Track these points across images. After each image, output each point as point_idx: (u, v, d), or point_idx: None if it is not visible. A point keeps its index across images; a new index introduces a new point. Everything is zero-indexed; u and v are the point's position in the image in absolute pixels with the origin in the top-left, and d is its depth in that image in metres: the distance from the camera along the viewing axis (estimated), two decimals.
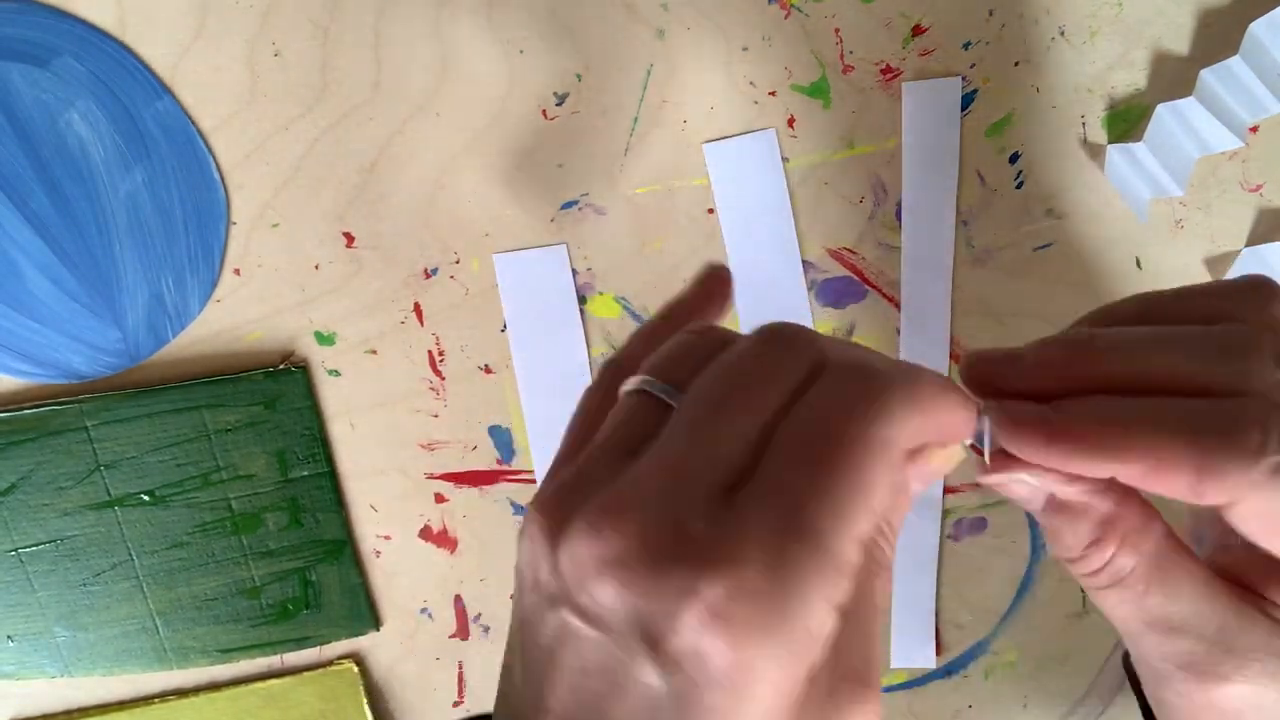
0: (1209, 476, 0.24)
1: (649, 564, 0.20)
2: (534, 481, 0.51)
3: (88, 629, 0.51)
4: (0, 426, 0.49)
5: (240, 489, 0.50)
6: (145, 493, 0.50)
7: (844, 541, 0.21)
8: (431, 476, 0.51)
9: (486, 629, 0.53)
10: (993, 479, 0.27)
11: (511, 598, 0.25)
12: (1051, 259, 0.49)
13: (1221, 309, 0.27)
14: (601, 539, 0.21)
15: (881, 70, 0.47)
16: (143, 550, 0.50)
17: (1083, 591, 0.52)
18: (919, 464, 0.24)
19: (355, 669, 0.52)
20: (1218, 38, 0.46)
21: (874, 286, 0.49)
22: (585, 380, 0.50)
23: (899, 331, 0.49)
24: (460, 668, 0.53)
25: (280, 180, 0.48)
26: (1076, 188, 0.48)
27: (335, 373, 0.50)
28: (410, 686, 0.53)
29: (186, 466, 0.50)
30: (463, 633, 0.53)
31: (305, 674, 0.52)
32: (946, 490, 0.51)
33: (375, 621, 0.52)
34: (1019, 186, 0.48)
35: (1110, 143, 0.47)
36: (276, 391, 0.49)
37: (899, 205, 0.48)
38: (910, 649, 0.52)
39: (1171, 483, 0.24)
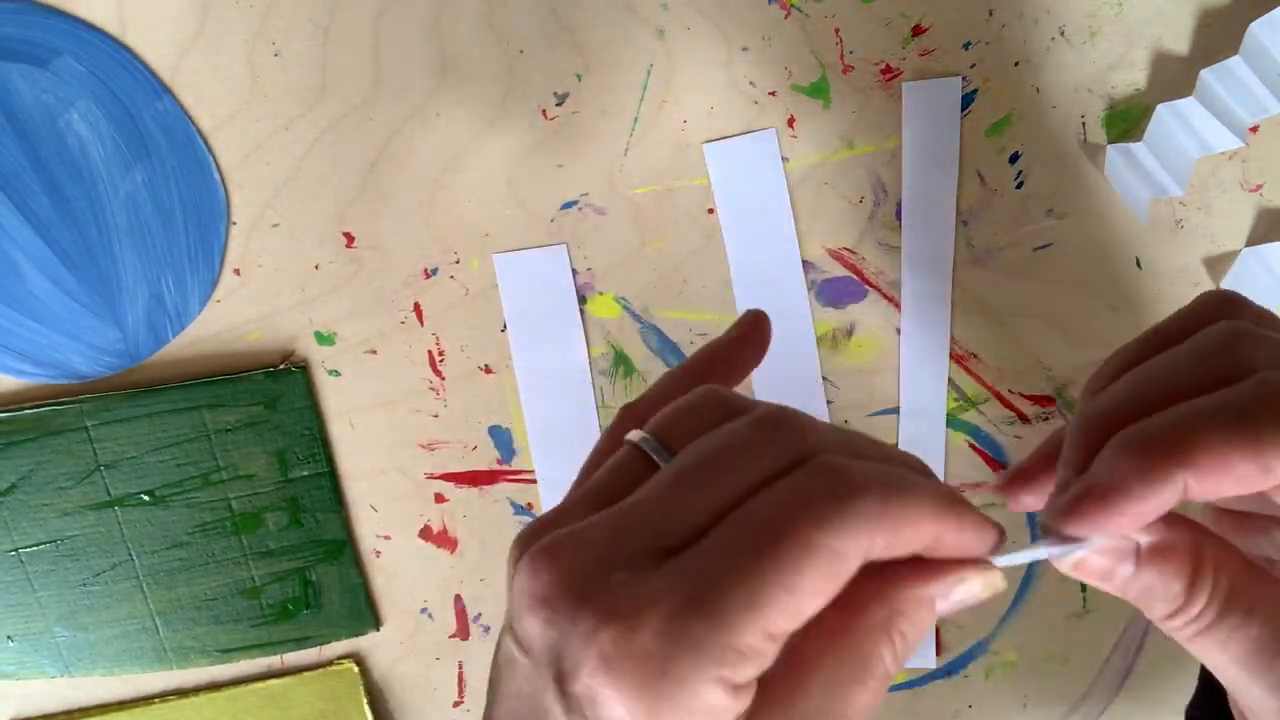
0: (1271, 451, 0.23)
1: (568, 604, 0.22)
2: (534, 481, 0.51)
3: (88, 629, 0.51)
4: (0, 426, 0.49)
5: (240, 489, 0.50)
6: (145, 493, 0.50)
7: (749, 631, 0.21)
8: (431, 476, 0.51)
9: (486, 629, 0.53)
10: (1082, 568, 0.26)
11: None
12: (1051, 259, 0.49)
13: (1186, 331, 0.26)
14: (536, 575, 0.22)
15: (881, 70, 0.47)
16: (143, 550, 0.50)
17: (1083, 591, 0.52)
18: (937, 580, 0.24)
19: (355, 669, 0.52)
20: (1218, 38, 0.46)
21: (874, 286, 0.49)
22: (585, 380, 0.50)
23: (899, 331, 0.49)
24: (460, 668, 0.53)
25: (280, 180, 0.48)
26: (1076, 188, 0.48)
27: (335, 373, 0.50)
28: (410, 686, 0.53)
29: (186, 466, 0.50)
30: (463, 633, 0.53)
31: (305, 674, 0.52)
32: None
33: (375, 621, 0.52)
34: (1019, 186, 0.48)
35: (1110, 143, 0.47)
36: (276, 391, 0.49)
37: (899, 205, 0.48)
38: None
39: (1238, 472, 0.23)
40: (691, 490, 0.23)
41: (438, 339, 0.50)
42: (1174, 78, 0.47)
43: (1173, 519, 0.25)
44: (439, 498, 0.51)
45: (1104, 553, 0.25)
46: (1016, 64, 0.47)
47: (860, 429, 0.50)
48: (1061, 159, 0.48)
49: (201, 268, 0.49)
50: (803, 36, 0.47)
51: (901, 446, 0.50)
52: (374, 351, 0.50)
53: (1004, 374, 0.50)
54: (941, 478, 0.51)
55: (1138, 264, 0.49)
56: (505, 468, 0.51)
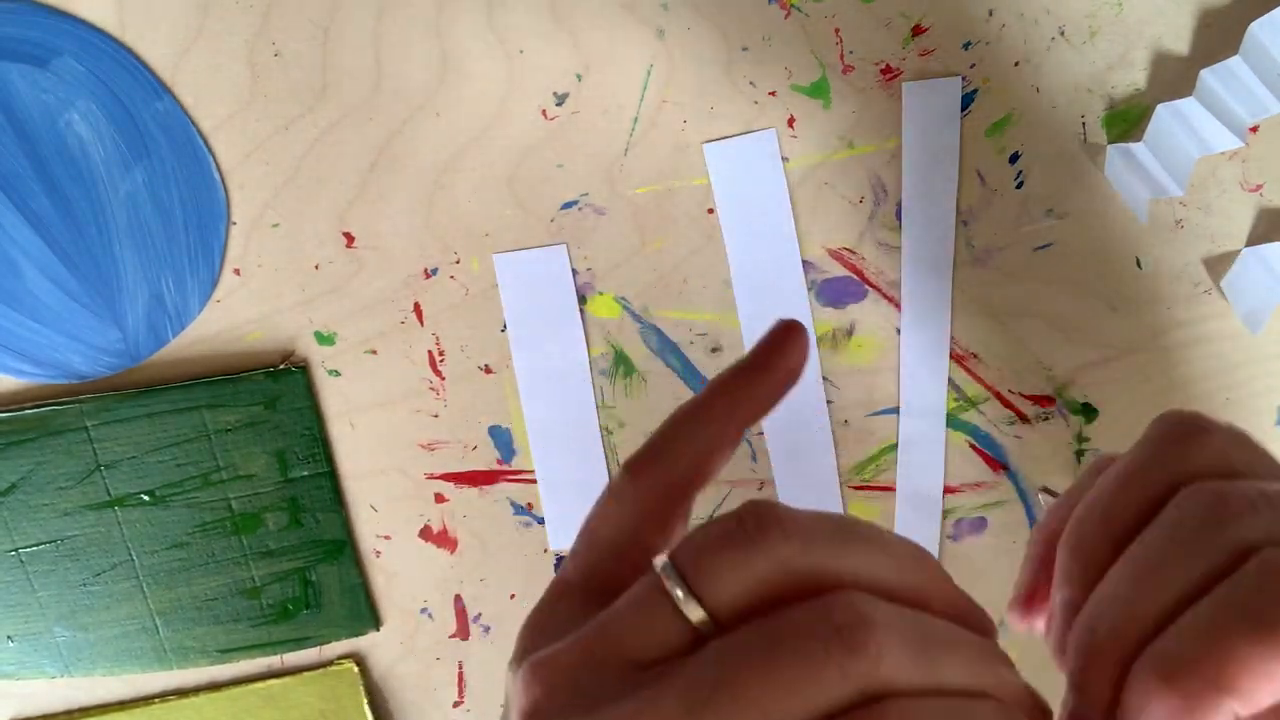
0: None
1: None
2: (534, 481, 0.51)
3: (88, 629, 0.51)
4: (0, 426, 0.49)
5: (240, 489, 0.50)
6: (145, 493, 0.50)
7: None
8: (431, 476, 0.51)
9: (486, 629, 0.53)
10: None
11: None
12: (1051, 259, 0.49)
13: (1158, 479, 0.25)
14: (526, 690, 0.22)
15: (881, 70, 0.47)
16: (143, 550, 0.50)
17: None
18: None
19: (355, 669, 0.52)
20: (1218, 38, 0.46)
21: (874, 286, 0.49)
22: (585, 380, 0.50)
23: (899, 331, 0.49)
24: (460, 668, 0.53)
25: (280, 180, 0.48)
26: (1076, 188, 0.48)
27: (335, 373, 0.50)
28: (410, 686, 0.53)
29: (186, 466, 0.50)
30: (463, 633, 0.53)
31: (305, 674, 0.52)
32: (947, 490, 0.51)
33: (375, 621, 0.52)
34: (1019, 186, 0.48)
35: (1110, 143, 0.47)
36: (276, 391, 0.49)
37: (899, 205, 0.48)
38: None
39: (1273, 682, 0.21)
40: (720, 688, 0.20)
41: (438, 339, 0.50)
42: (1174, 78, 0.47)
43: None
44: (439, 498, 0.51)
45: None
46: (1016, 64, 0.47)
47: (860, 429, 0.50)
48: (1061, 159, 0.48)
49: (201, 268, 0.49)
50: (803, 36, 0.47)
51: (901, 446, 0.50)
52: (374, 351, 0.50)
53: (1004, 374, 0.50)
54: (941, 478, 0.51)
55: (1138, 264, 0.49)
56: (505, 468, 0.51)
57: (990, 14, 0.46)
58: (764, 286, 0.49)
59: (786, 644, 0.20)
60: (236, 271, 0.49)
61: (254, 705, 0.52)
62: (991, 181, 0.48)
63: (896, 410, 0.50)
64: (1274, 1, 0.43)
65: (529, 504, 0.51)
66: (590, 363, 0.50)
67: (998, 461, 0.51)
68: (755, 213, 0.48)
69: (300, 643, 0.52)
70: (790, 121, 0.48)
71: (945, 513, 0.51)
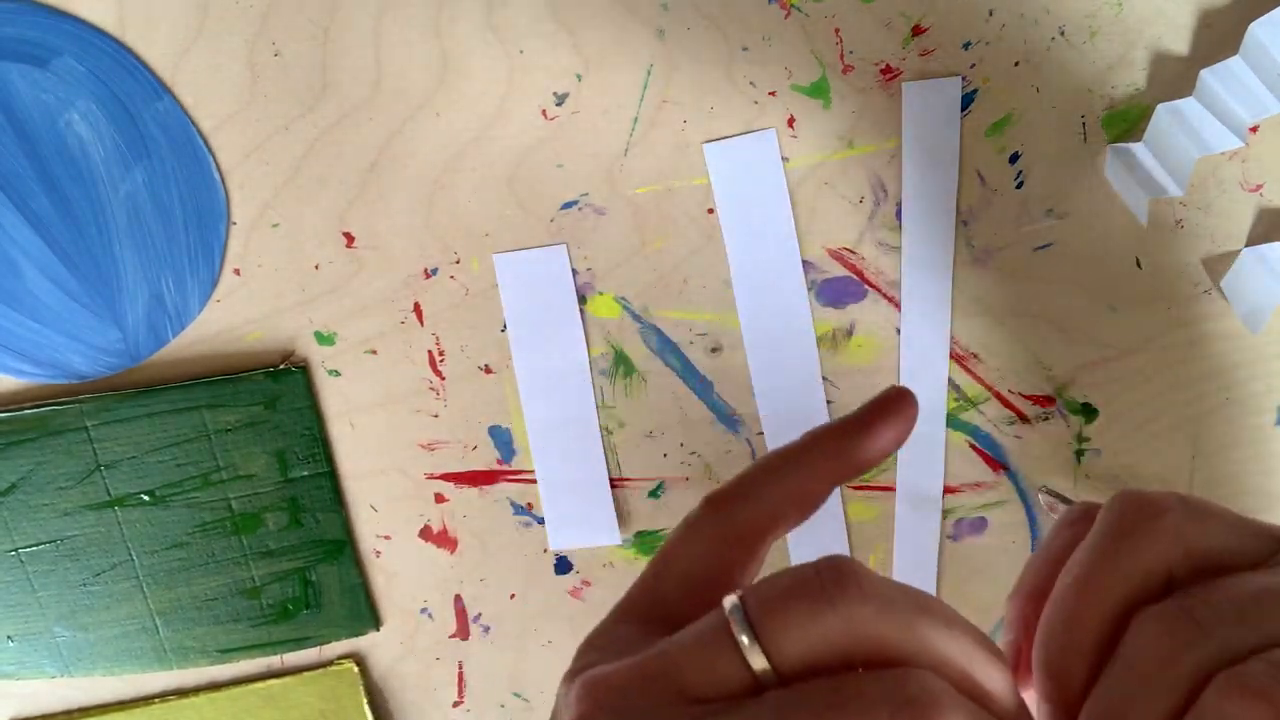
0: None
1: None
2: (534, 481, 0.51)
3: (88, 629, 0.51)
4: (0, 426, 0.49)
5: (240, 489, 0.50)
6: (145, 493, 0.50)
7: None
8: (431, 476, 0.51)
9: (486, 629, 0.53)
10: None
11: None
12: (1051, 259, 0.49)
13: (1114, 588, 0.24)
14: (576, 705, 0.22)
15: (881, 70, 0.47)
16: (143, 550, 0.50)
17: None
18: None
19: (355, 669, 0.52)
20: (1218, 38, 0.46)
21: (874, 286, 0.49)
22: (585, 380, 0.50)
23: (899, 331, 0.49)
24: (460, 668, 0.53)
25: (280, 180, 0.48)
26: (1076, 188, 0.48)
27: (335, 373, 0.50)
28: (410, 686, 0.54)
29: (186, 466, 0.50)
30: (463, 633, 0.53)
31: (305, 674, 0.52)
32: (947, 490, 0.51)
33: (375, 621, 0.52)
34: (1019, 186, 0.48)
35: (1110, 143, 0.47)
36: (276, 391, 0.49)
37: (899, 205, 0.48)
38: None
39: None
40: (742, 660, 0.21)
41: (438, 339, 0.50)
42: (1174, 78, 0.47)
43: None
44: (439, 498, 0.51)
45: None
46: (1016, 64, 0.47)
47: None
48: (1061, 159, 0.48)
49: (201, 268, 0.49)
50: (803, 36, 0.47)
51: (901, 446, 0.50)
52: (374, 351, 0.50)
53: (1004, 374, 0.50)
54: (941, 478, 0.51)
55: (1138, 264, 0.49)
56: (505, 468, 0.51)
57: (990, 14, 0.46)
58: (764, 286, 0.49)
59: (849, 706, 0.20)
60: (236, 271, 0.49)
61: (254, 705, 0.52)
62: (991, 181, 0.48)
63: None
64: (1274, 1, 0.43)
65: (529, 504, 0.51)
66: (590, 363, 0.50)
67: (998, 461, 0.51)
68: (755, 213, 0.48)
69: (300, 643, 0.52)
70: (790, 121, 0.48)
71: (945, 513, 0.51)
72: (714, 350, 0.50)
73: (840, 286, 0.49)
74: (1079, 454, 0.51)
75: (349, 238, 0.49)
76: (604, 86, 0.47)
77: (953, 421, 0.50)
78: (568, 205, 0.49)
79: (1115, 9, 0.46)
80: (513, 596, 0.52)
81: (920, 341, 0.49)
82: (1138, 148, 0.46)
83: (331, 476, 0.51)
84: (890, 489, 0.51)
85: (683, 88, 0.47)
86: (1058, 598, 0.26)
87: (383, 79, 0.47)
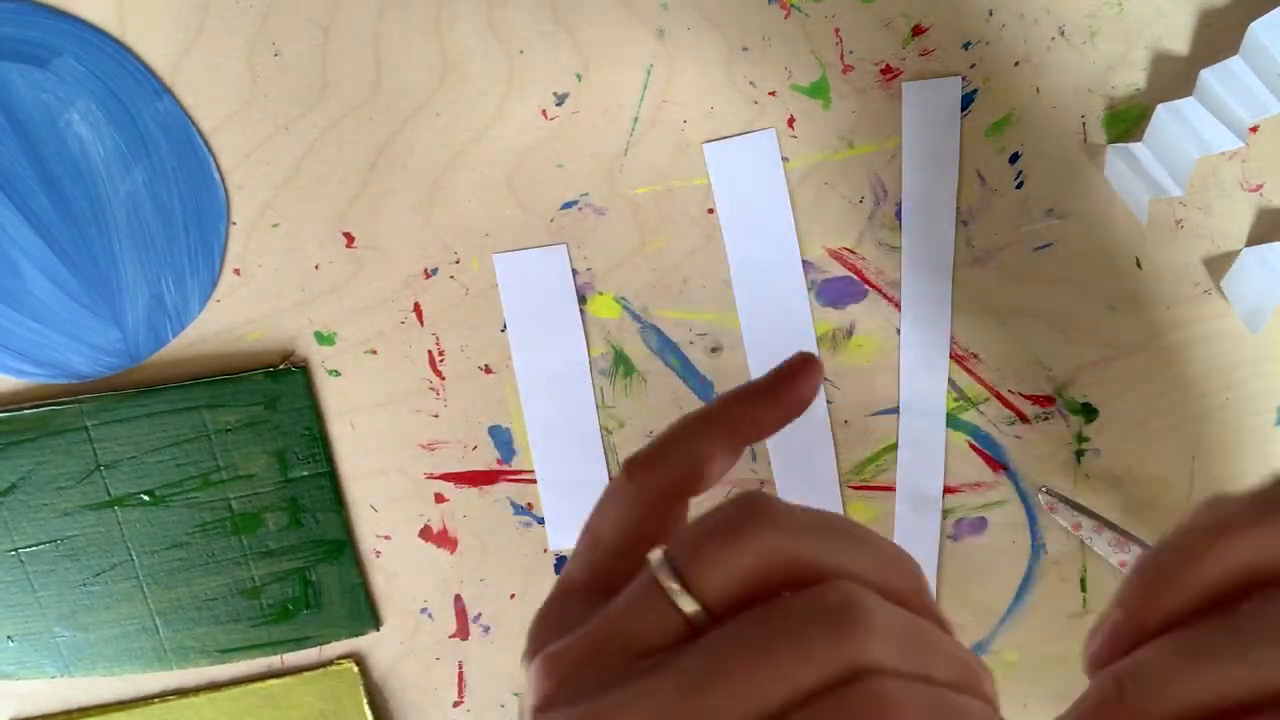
0: None
1: (560, 714, 0.22)
2: (534, 481, 0.51)
3: (88, 629, 0.51)
4: (0, 426, 0.49)
5: (240, 489, 0.50)
6: (145, 493, 0.50)
7: None
8: (431, 476, 0.51)
9: (486, 629, 0.53)
10: None
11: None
12: (1051, 259, 0.49)
13: (1247, 556, 0.23)
14: (538, 684, 0.23)
15: (881, 70, 0.47)
16: (143, 550, 0.50)
17: (1083, 591, 0.52)
18: None
19: (355, 669, 0.52)
20: (1218, 38, 0.46)
21: (874, 286, 0.49)
22: (585, 380, 0.50)
23: (899, 331, 0.49)
24: (460, 668, 0.53)
25: (280, 180, 0.48)
26: (1076, 188, 0.48)
27: (335, 373, 0.50)
28: (410, 686, 0.54)
29: (186, 466, 0.50)
30: (463, 633, 0.53)
31: (305, 674, 0.52)
32: (947, 490, 0.51)
33: (375, 621, 0.52)
34: (1019, 186, 0.48)
35: (1110, 143, 0.47)
36: (276, 391, 0.49)
37: (899, 205, 0.48)
38: None
39: None
40: (717, 692, 0.21)
41: (438, 339, 0.50)
42: (1174, 78, 0.47)
43: None
44: (439, 498, 0.51)
45: None
46: (1016, 64, 0.47)
47: (860, 429, 0.50)
48: (1061, 159, 0.48)
49: (201, 268, 0.49)
50: (803, 36, 0.47)
51: (901, 446, 0.50)
52: (374, 351, 0.50)
53: (1004, 374, 0.50)
54: (941, 478, 0.51)
55: (1138, 264, 0.49)
56: (505, 468, 0.51)
57: (990, 14, 0.46)
58: (764, 286, 0.49)
59: (777, 627, 0.21)
60: (236, 271, 0.49)
61: (254, 705, 0.52)
62: (991, 181, 0.48)
63: (896, 410, 0.50)
64: (1274, 1, 0.43)
65: (529, 504, 0.51)
66: (590, 363, 0.50)
67: (998, 461, 0.51)
68: (755, 213, 0.48)
69: (300, 643, 0.52)
70: (790, 121, 0.48)
71: (945, 513, 0.51)
72: (714, 350, 0.50)
73: (840, 286, 0.49)
74: (1079, 454, 0.51)
75: (349, 238, 0.49)
76: (604, 86, 0.47)
77: (953, 421, 0.50)
78: (568, 205, 0.49)
79: (1115, 9, 0.46)
80: (513, 596, 0.52)
81: (920, 341, 0.49)
82: (1138, 148, 0.46)
83: (331, 476, 0.51)
84: (890, 489, 0.51)
85: (683, 88, 0.47)
86: (1193, 528, 0.24)
87: (383, 79, 0.47)
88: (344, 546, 0.51)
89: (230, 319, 0.49)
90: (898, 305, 0.49)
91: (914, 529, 0.51)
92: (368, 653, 0.53)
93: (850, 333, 0.50)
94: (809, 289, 0.49)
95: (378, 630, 0.52)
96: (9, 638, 0.51)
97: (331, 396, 0.50)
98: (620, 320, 0.50)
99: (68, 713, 0.53)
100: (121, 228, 0.48)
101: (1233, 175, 0.48)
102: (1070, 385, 0.50)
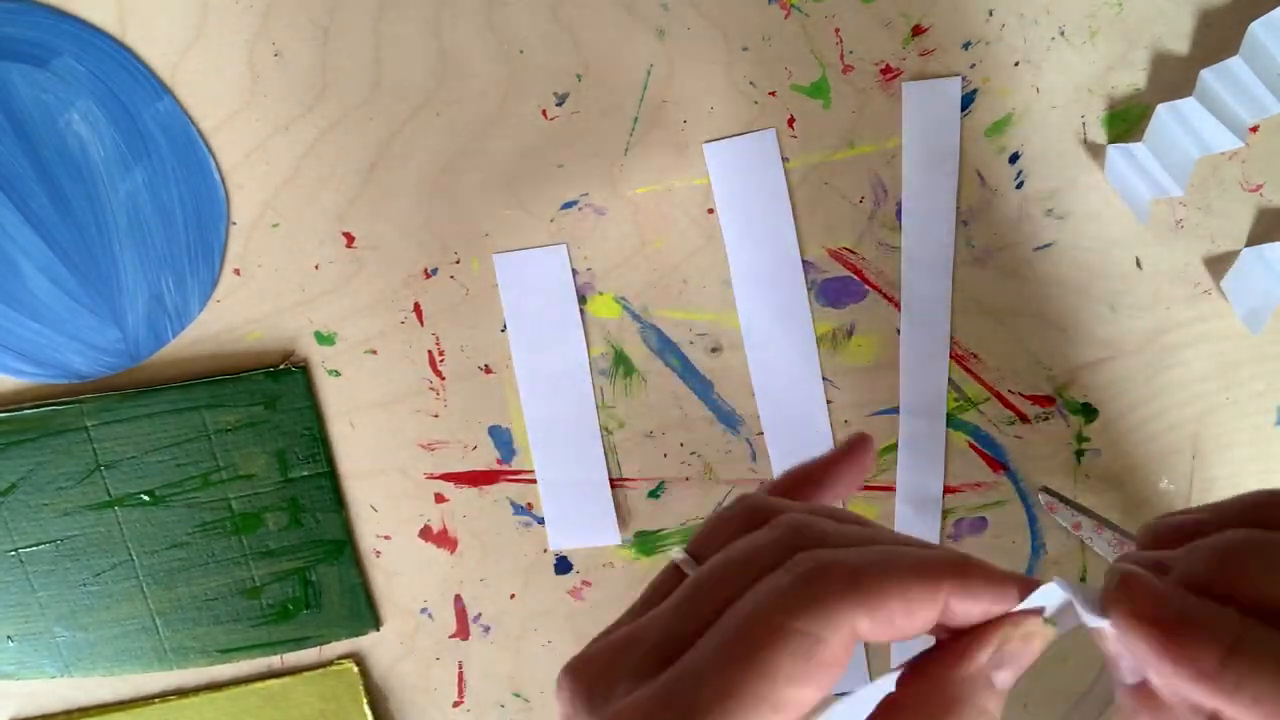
0: None
1: (582, 717, 0.24)
2: (534, 481, 0.51)
3: (88, 629, 0.51)
4: (0, 426, 0.49)
5: (240, 489, 0.50)
6: (145, 493, 0.50)
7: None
8: (431, 476, 0.51)
9: (486, 629, 0.53)
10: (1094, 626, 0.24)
11: None
12: (1051, 259, 0.49)
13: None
14: (560, 692, 0.25)
15: (881, 70, 0.47)
16: (143, 550, 0.50)
17: None
18: (967, 657, 0.23)
19: (355, 669, 0.52)
20: (1218, 38, 0.46)
21: (874, 286, 0.49)
22: (585, 380, 0.50)
23: (899, 331, 0.49)
24: (460, 668, 0.53)
25: (280, 180, 0.48)
26: (1076, 188, 0.48)
27: (335, 373, 0.50)
28: (410, 686, 0.53)
29: (186, 466, 0.50)
30: (463, 633, 0.53)
31: (305, 674, 0.52)
32: (947, 490, 0.51)
33: (375, 621, 0.52)
34: (1019, 186, 0.48)
35: (1110, 143, 0.47)
36: (276, 391, 0.49)
37: (899, 205, 0.48)
38: (911, 648, 0.52)
39: None
40: (696, 601, 0.24)
41: (438, 339, 0.50)
42: (1174, 78, 0.47)
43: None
44: (439, 498, 0.51)
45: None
46: (1016, 64, 0.47)
47: (860, 429, 0.50)
48: (1061, 159, 0.48)
49: (201, 268, 0.49)
50: (803, 36, 0.47)
51: (901, 446, 0.50)
52: (374, 351, 0.50)
53: (1004, 374, 0.50)
54: (941, 478, 0.51)
55: (1138, 264, 0.49)
56: (505, 468, 0.51)
57: (990, 14, 0.46)
58: (764, 286, 0.49)
59: (752, 556, 0.24)
60: (236, 271, 0.49)
61: (254, 705, 0.52)
62: (991, 181, 0.48)
63: (896, 410, 0.50)
64: (1274, 1, 0.43)
65: (529, 504, 0.51)
66: (590, 363, 0.50)
67: (998, 461, 0.51)
68: (755, 213, 0.48)
69: (300, 643, 0.52)
70: (790, 121, 0.48)
71: (945, 513, 0.51)
72: (714, 350, 0.50)
73: (840, 286, 0.49)
74: (1079, 454, 0.51)
75: (349, 238, 0.49)
76: (604, 86, 0.47)
77: (953, 421, 0.50)
78: (568, 205, 0.49)
79: (1115, 9, 0.46)
80: (513, 596, 0.52)
81: (920, 341, 0.49)
82: (1138, 148, 0.46)
83: (331, 476, 0.51)
84: (890, 489, 0.51)
85: (683, 88, 0.47)
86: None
87: (383, 79, 0.47)
88: (344, 546, 0.51)
89: (230, 319, 0.49)
90: (898, 305, 0.49)
91: (914, 529, 0.51)
92: (368, 653, 0.53)
93: (850, 333, 0.50)
94: (809, 289, 0.49)
95: (378, 630, 0.52)
96: (9, 638, 0.51)
97: (331, 396, 0.50)
98: (620, 320, 0.50)
99: (68, 713, 0.53)
100: (121, 228, 0.48)
101: (1233, 175, 0.48)
102: (1070, 385, 0.50)
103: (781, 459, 0.51)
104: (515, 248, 0.49)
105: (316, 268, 0.49)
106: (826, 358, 0.50)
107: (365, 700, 0.52)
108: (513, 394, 0.50)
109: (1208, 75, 0.44)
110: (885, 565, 0.23)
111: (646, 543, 0.52)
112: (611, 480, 0.51)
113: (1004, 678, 0.24)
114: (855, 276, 0.49)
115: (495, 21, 0.46)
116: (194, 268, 0.48)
